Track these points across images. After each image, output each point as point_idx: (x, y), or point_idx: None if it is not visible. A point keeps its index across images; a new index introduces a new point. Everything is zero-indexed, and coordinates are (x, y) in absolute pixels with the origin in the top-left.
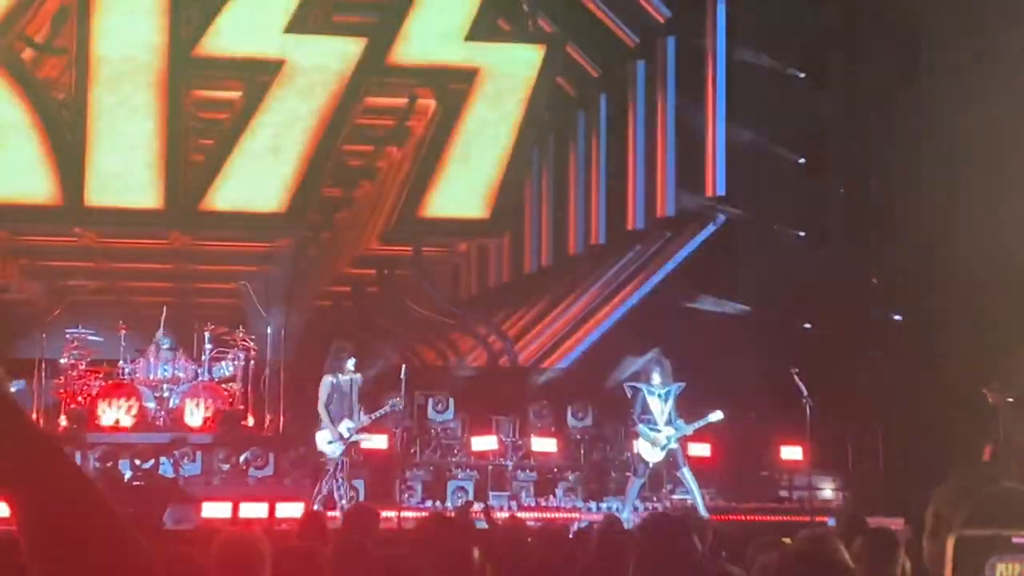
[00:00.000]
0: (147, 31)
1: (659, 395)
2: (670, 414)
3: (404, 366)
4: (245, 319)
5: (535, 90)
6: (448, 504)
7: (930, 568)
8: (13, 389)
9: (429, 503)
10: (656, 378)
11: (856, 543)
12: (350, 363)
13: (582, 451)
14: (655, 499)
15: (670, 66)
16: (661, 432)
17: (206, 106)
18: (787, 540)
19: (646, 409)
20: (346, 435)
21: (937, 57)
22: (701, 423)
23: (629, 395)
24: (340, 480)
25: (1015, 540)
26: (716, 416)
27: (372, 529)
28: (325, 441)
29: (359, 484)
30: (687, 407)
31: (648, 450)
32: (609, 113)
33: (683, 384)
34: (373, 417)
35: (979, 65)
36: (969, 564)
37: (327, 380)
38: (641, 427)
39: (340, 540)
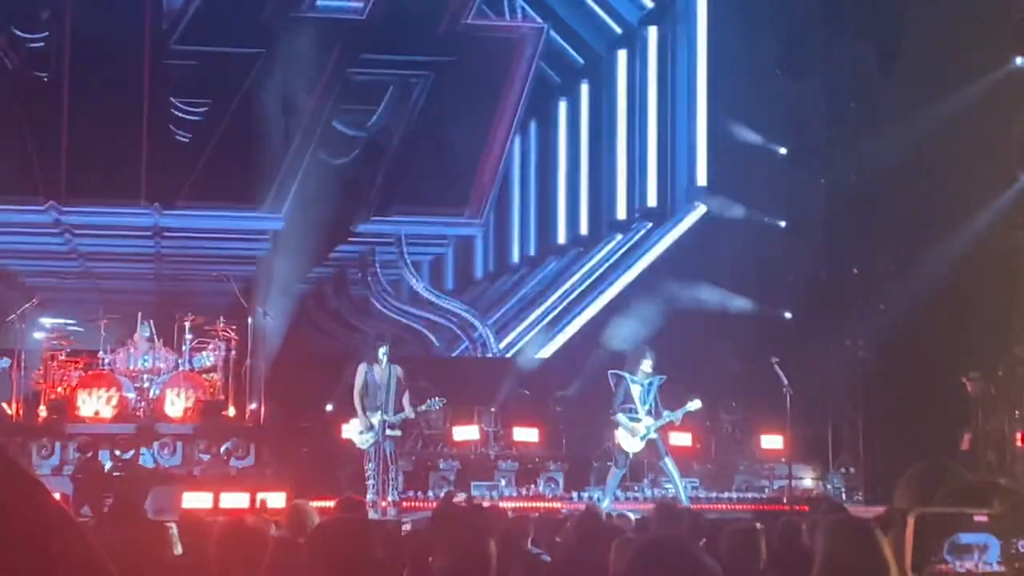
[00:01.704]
0: (127, 22)
1: (642, 385)
2: (652, 405)
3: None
4: (226, 309)
5: (517, 78)
6: (430, 494)
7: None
8: None
9: (411, 493)
10: (645, 367)
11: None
12: (381, 352)
13: (564, 441)
14: (636, 488)
15: (653, 55)
16: (641, 422)
17: (185, 98)
18: (759, 525)
19: (628, 398)
20: (376, 427)
21: (915, 47)
22: (680, 412)
23: (612, 383)
24: (372, 470)
25: (977, 518)
26: (695, 405)
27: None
28: (355, 431)
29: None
30: (669, 397)
31: (627, 440)
32: (592, 102)
33: (664, 376)
34: (411, 413)
35: (956, 54)
36: (930, 541)
37: (361, 368)
38: (620, 416)
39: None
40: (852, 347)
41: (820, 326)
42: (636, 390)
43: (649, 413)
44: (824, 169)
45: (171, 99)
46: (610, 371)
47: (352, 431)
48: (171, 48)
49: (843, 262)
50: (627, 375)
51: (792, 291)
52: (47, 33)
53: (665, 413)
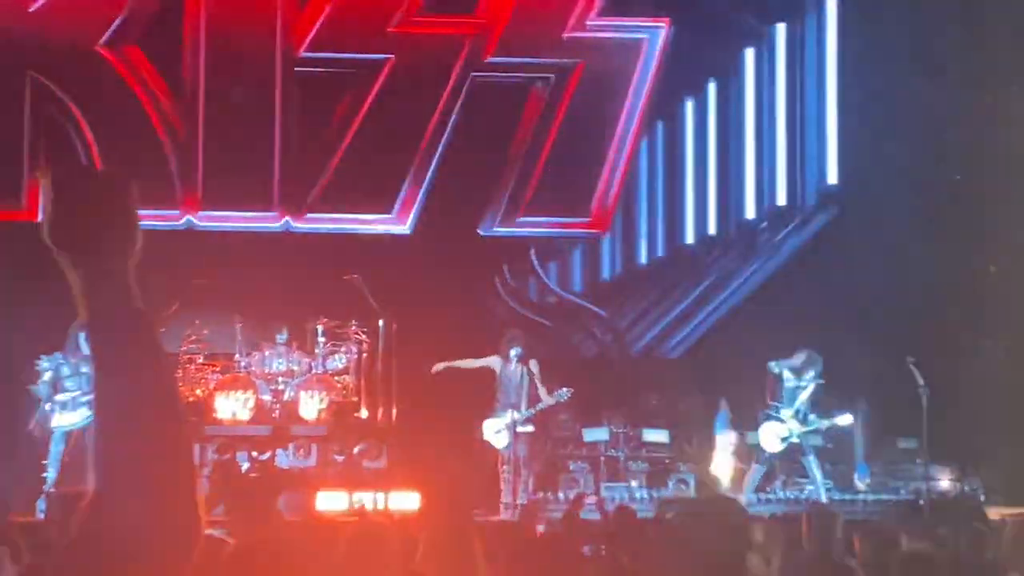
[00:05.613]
0: (256, 31)
1: (797, 387)
2: (802, 410)
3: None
4: (358, 312)
5: (642, 79)
6: (560, 495)
7: None
8: None
9: (541, 494)
10: (809, 374)
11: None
12: (512, 352)
13: (695, 441)
14: (768, 489)
15: (782, 52)
16: (785, 424)
17: (315, 106)
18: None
19: (776, 397)
20: (508, 426)
21: None
22: (827, 422)
23: (770, 379)
24: (507, 472)
25: None
26: (845, 420)
27: None
28: (492, 431)
29: None
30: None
31: (768, 439)
32: (719, 101)
33: (822, 382)
34: (537, 408)
35: None
36: None
37: (495, 368)
38: (765, 416)
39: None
40: (991, 347)
41: (957, 325)
42: (789, 393)
43: (796, 416)
44: (958, 165)
45: (302, 106)
46: (770, 369)
47: (488, 431)
48: (301, 55)
49: (979, 260)
50: (784, 376)
51: (927, 290)
52: (182, 43)
53: (811, 418)
